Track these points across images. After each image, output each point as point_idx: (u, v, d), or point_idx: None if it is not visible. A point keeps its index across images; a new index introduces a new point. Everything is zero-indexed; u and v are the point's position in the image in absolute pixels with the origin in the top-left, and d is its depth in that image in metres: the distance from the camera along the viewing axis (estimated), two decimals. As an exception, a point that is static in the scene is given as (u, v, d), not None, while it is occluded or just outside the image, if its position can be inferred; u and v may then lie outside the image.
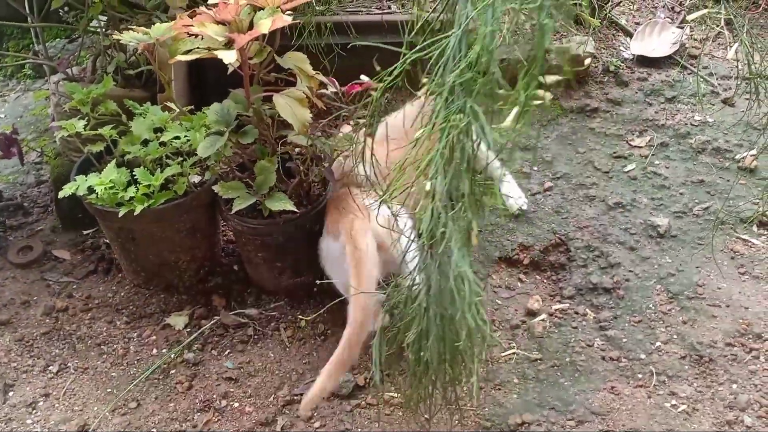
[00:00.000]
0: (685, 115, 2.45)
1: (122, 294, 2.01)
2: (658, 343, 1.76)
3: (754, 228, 2.06)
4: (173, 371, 1.79)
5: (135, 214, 1.73)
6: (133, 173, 1.81)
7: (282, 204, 1.74)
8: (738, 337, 1.75)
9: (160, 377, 1.78)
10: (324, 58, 2.25)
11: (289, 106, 1.68)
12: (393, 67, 1.21)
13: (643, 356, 1.74)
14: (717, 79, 2.59)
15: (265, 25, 1.60)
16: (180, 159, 1.85)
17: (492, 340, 1.28)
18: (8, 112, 2.90)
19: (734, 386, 1.65)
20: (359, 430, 1.63)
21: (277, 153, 1.84)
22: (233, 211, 1.75)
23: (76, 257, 2.14)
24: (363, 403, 1.69)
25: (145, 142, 1.88)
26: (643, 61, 2.66)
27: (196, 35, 1.69)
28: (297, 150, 1.92)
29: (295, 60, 1.76)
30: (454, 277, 1.11)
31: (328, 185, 1.88)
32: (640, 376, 1.69)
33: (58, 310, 1.96)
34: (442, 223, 1.10)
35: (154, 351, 1.84)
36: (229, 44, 1.62)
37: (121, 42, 1.75)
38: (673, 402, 1.63)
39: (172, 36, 1.72)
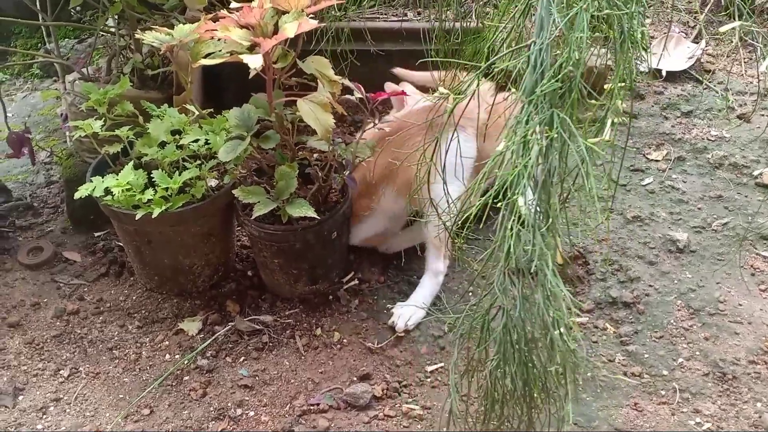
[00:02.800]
0: (702, 129, 2.44)
1: (134, 298, 1.98)
2: (680, 360, 1.74)
3: (774, 245, 2.04)
4: (186, 378, 1.75)
5: (153, 217, 1.71)
6: (151, 175, 1.78)
7: (303, 210, 1.71)
8: (761, 355, 1.73)
9: (173, 384, 1.74)
10: (341, 63, 2.24)
11: (313, 112, 1.66)
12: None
13: (665, 372, 1.71)
14: (732, 94, 2.58)
15: (290, 29, 1.58)
16: (197, 162, 1.82)
17: (585, 362, 1.25)
18: (15, 111, 2.86)
19: (759, 405, 1.63)
20: (378, 442, 1.60)
21: (297, 159, 1.81)
22: (253, 217, 1.72)
23: (87, 259, 2.10)
24: (381, 414, 1.66)
25: (162, 145, 1.85)
26: (659, 75, 2.65)
27: (219, 38, 1.67)
28: (315, 156, 1.90)
29: (318, 65, 1.73)
30: (544, 297, 1.08)
31: (347, 192, 1.85)
32: (663, 392, 1.67)
33: (69, 313, 1.92)
34: (530, 241, 1.07)
35: (167, 357, 1.81)
36: (252, 48, 1.60)
37: (139, 42, 1.73)
38: (697, 420, 1.60)
39: (194, 38, 1.70)
